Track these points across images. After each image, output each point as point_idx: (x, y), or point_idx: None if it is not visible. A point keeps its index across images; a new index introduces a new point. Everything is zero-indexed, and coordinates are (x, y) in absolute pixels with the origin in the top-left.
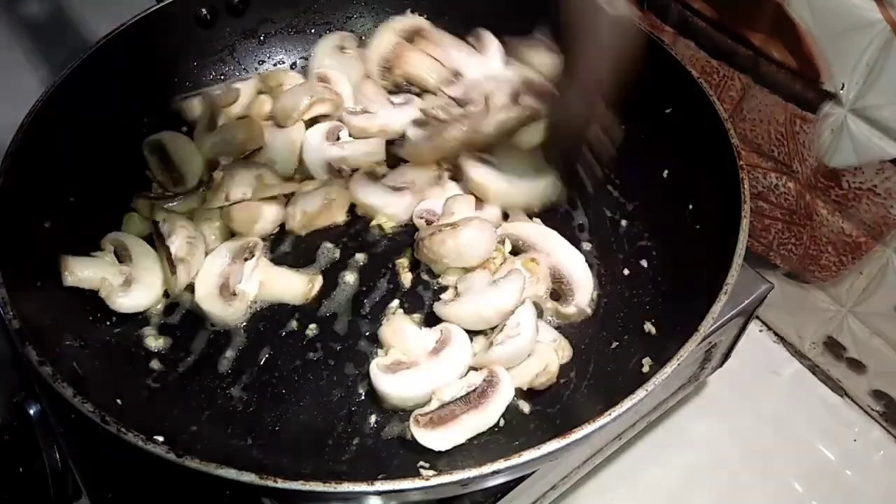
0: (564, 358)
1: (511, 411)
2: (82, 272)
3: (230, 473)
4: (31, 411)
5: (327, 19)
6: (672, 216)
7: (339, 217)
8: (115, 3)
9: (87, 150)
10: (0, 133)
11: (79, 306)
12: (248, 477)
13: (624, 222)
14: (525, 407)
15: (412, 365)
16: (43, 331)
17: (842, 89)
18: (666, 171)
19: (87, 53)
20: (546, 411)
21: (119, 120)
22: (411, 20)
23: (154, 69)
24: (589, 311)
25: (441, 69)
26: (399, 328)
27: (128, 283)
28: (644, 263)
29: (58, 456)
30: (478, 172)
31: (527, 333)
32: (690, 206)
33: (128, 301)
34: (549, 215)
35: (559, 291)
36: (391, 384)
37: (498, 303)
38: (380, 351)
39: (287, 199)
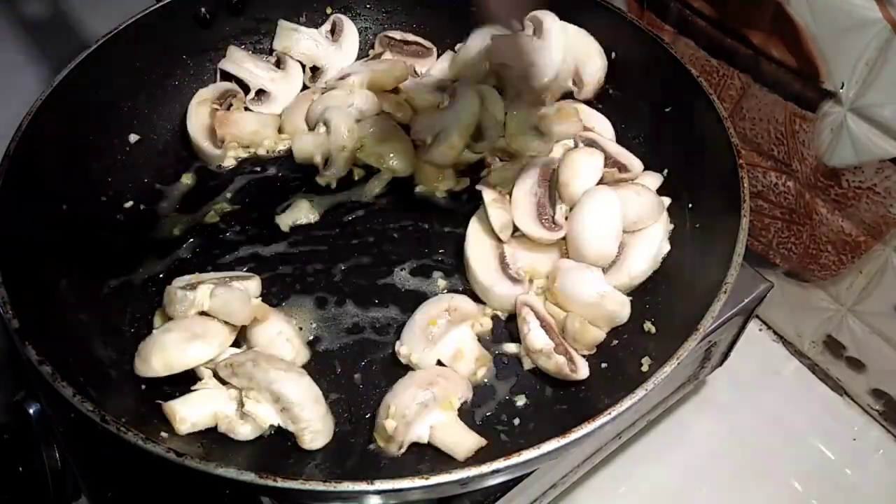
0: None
1: (509, 408)
2: (194, 416)
3: (230, 473)
4: (31, 411)
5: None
6: (672, 215)
7: None
8: (115, 3)
9: (86, 150)
10: (0, 133)
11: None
12: (248, 476)
13: None
14: (520, 401)
15: None
16: (43, 330)
17: (841, 88)
18: (666, 170)
19: (86, 53)
20: (545, 410)
21: (117, 120)
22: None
23: (153, 69)
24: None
25: None
26: None
27: (242, 404)
28: None
29: (58, 456)
30: None
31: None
32: (690, 205)
33: (247, 429)
34: None
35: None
36: None
37: None
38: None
39: None
